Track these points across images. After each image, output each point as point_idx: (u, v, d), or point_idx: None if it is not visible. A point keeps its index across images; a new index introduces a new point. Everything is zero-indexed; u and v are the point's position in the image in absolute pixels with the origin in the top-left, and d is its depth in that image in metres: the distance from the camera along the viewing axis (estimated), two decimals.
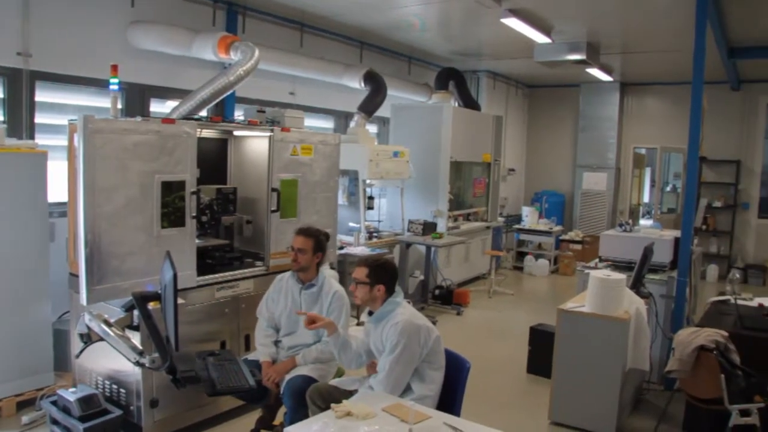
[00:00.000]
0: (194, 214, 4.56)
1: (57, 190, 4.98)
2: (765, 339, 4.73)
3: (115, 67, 4.26)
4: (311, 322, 3.54)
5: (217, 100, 5.50)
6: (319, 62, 7.83)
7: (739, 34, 7.88)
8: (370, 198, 8.08)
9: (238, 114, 6.60)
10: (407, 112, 9.62)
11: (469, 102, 10.34)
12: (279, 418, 4.26)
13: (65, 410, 4.16)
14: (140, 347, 3.30)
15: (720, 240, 11.77)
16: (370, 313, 3.57)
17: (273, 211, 5.21)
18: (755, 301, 5.62)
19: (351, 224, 8.05)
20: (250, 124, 5.27)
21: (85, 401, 4.14)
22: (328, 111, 8.97)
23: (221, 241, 5.33)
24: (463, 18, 7.67)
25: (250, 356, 4.30)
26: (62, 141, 4.76)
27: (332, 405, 3.01)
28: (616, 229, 6.85)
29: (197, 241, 4.77)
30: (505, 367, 6.41)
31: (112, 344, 3.29)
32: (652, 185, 12.95)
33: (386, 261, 3.66)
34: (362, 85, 8.18)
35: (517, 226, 12.11)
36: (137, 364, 3.20)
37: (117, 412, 4.25)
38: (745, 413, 4.00)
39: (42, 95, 5.51)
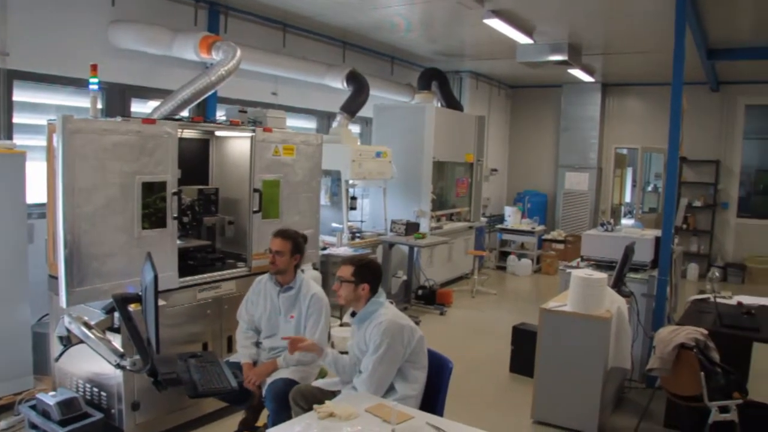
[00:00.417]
0: (175, 215, 4.53)
1: (36, 191, 4.92)
2: (744, 336, 4.78)
3: (94, 67, 4.22)
4: (293, 345, 3.54)
5: (199, 100, 5.47)
6: (302, 62, 7.81)
7: (717, 36, 7.96)
8: (353, 198, 8.07)
9: (220, 114, 6.56)
10: (390, 113, 9.63)
11: (452, 102, 10.37)
12: (262, 419, 4.24)
13: (45, 414, 4.10)
14: (121, 350, 3.26)
15: (700, 239, 11.89)
16: (353, 314, 3.57)
17: (255, 212, 5.19)
18: (734, 299, 5.68)
19: (334, 225, 8.04)
20: (231, 125, 5.24)
21: (65, 405, 4.09)
22: (311, 111, 8.94)
23: (203, 242, 5.30)
24: (445, 18, 7.69)
25: (232, 358, 4.28)
26: (41, 141, 4.72)
27: (315, 406, 3.01)
28: (597, 229, 6.88)
29: (179, 242, 4.73)
30: (488, 367, 6.43)
31: (92, 347, 3.25)
32: (634, 185, 13.04)
33: (371, 260, 3.67)
34: (345, 85, 8.16)
35: (499, 226, 12.16)
36: (118, 366, 3.17)
37: (98, 415, 4.20)
38: (724, 410, 4.04)
39: (20, 95, 5.44)
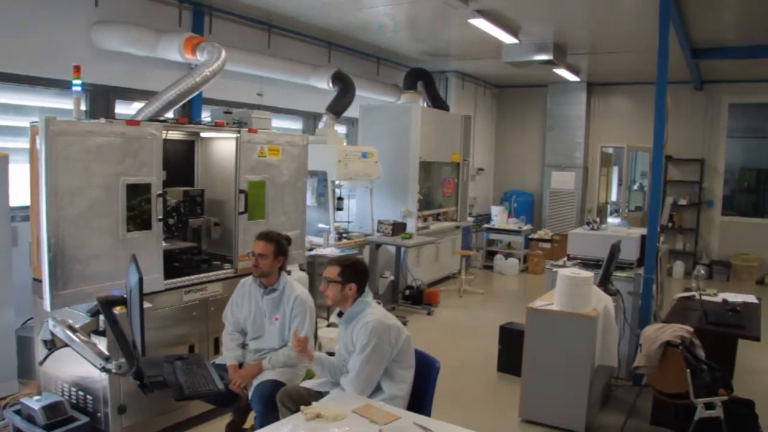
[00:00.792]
0: (161, 217, 4.50)
1: (19, 194, 4.88)
2: (729, 334, 4.82)
3: (77, 68, 4.19)
4: (300, 345, 3.52)
5: (184, 102, 5.43)
6: (287, 63, 7.79)
7: (701, 35, 8.01)
8: (339, 199, 8.06)
9: (205, 115, 6.54)
10: (376, 113, 9.62)
11: (438, 102, 10.38)
12: (249, 421, 4.23)
13: (29, 419, 4.06)
14: (106, 353, 3.24)
15: (686, 237, 11.97)
16: (340, 314, 3.56)
17: (241, 213, 5.17)
18: (719, 297, 5.73)
19: (320, 225, 8.03)
20: (216, 126, 5.22)
21: (50, 409, 4.05)
22: (297, 112, 8.93)
23: (189, 244, 5.27)
24: (431, 18, 7.69)
25: (219, 360, 4.26)
26: (24, 144, 4.68)
27: (302, 407, 3.00)
28: (583, 228, 6.90)
29: (164, 244, 4.71)
30: (476, 366, 6.44)
31: (77, 350, 3.23)
32: (620, 184, 13.10)
33: (358, 260, 3.67)
34: (330, 85, 8.15)
35: (486, 226, 12.18)
36: (103, 369, 3.15)
37: (84, 419, 4.16)
38: (709, 406, 4.07)
39: (2, 96, 5.40)
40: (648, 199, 6.64)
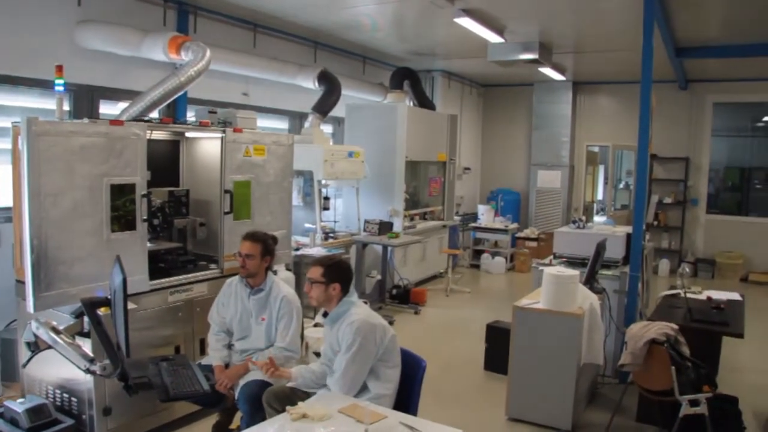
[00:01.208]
0: (145, 218, 4.48)
1: (2, 195, 4.83)
2: (713, 331, 4.85)
3: (59, 68, 4.15)
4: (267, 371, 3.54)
5: (169, 101, 5.40)
6: (273, 62, 7.76)
7: (686, 34, 8.07)
8: (326, 198, 8.05)
9: (190, 115, 6.51)
10: (362, 112, 9.62)
11: (424, 101, 10.39)
12: (236, 422, 4.21)
13: (13, 422, 4.03)
14: (91, 354, 3.22)
15: (671, 235, 12.04)
16: (325, 314, 3.56)
17: (226, 213, 5.16)
18: (704, 294, 5.77)
19: (307, 225, 8.02)
20: (201, 126, 5.19)
21: (34, 412, 4.02)
22: (283, 111, 8.90)
23: (174, 244, 5.24)
24: (416, 17, 7.70)
25: (204, 360, 4.24)
26: (6, 144, 4.64)
27: (287, 407, 2.99)
28: (569, 226, 6.93)
29: (149, 244, 4.68)
30: (463, 365, 6.44)
31: (61, 352, 3.20)
32: (606, 182, 13.16)
33: (341, 260, 3.67)
34: (316, 85, 8.13)
35: (473, 225, 12.21)
36: (87, 371, 3.13)
37: (68, 421, 4.14)
38: (694, 403, 4.10)
39: None
40: (633, 198, 6.67)
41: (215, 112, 5.48)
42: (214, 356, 4.15)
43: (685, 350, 4.30)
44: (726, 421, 4.38)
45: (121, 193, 4.29)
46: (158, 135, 5.35)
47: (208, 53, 5.54)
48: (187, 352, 4.77)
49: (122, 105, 5.42)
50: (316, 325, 6.46)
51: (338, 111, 8.91)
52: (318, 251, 7.11)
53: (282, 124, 9.14)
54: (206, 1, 6.88)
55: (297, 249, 7.03)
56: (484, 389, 5.92)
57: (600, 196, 13.39)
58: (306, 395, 3.41)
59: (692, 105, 11.72)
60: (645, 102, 5.89)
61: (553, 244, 6.79)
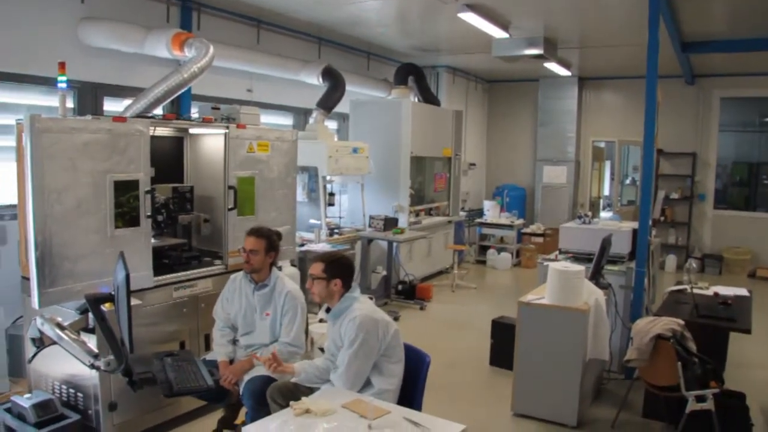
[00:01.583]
0: (149, 214, 4.48)
1: (7, 192, 4.85)
2: (720, 327, 4.83)
3: (62, 65, 4.14)
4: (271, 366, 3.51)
5: (172, 98, 5.41)
6: (277, 58, 7.76)
7: (692, 29, 8.02)
8: (331, 194, 8.03)
9: (194, 111, 6.51)
10: (366, 108, 9.60)
11: (429, 97, 10.36)
12: (241, 417, 4.21)
13: (20, 417, 4.05)
14: (95, 350, 3.23)
15: (678, 231, 12.00)
16: (328, 310, 3.56)
17: (230, 209, 5.15)
18: (711, 290, 5.75)
19: (312, 221, 8.01)
20: (204, 122, 5.19)
21: (41, 407, 4.04)
22: (287, 108, 8.90)
23: (178, 241, 5.24)
24: (421, 13, 7.68)
25: (209, 356, 4.25)
26: (10, 141, 4.64)
27: (291, 402, 2.99)
28: (575, 222, 6.91)
29: (153, 240, 4.70)
30: (468, 361, 6.44)
31: (66, 348, 3.22)
32: (612, 178, 13.12)
33: (342, 256, 3.68)
34: (320, 81, 8.13)
35: (479, 220, 12.19)
36: (92, 367, 3.14)
37: (74, 416, 4.16)
38: (700, 399, 4.09)
39: None
40: (639, 193, 6.65)
41: (218, 108, 5.48)
42: (219, 351, 4.15)
43: (692, 346, 4.29)
44: (733, 417, 4.36)
45: (125, 190, 4.29)
46: (162, 131, 5.36)
47: (211, 50, 5.54)
48: (192, 347, 4.78)
49: (126, 102, 5.43)
50: (321, 321, 6.46)
51: (343, 107, 8.90)
52: (323, 247, 7.10)
53: (286, 121, 9.13)
54: None
55: (302, 245, 7.03)
56: (490, 385, 5.91)
57: (606, 191, 13.35)
58: (310, 390, 3.41)
59: (699, 100, 11.66)
60: (651, 97, 5.87)
61: (558, 240, 6.77)
